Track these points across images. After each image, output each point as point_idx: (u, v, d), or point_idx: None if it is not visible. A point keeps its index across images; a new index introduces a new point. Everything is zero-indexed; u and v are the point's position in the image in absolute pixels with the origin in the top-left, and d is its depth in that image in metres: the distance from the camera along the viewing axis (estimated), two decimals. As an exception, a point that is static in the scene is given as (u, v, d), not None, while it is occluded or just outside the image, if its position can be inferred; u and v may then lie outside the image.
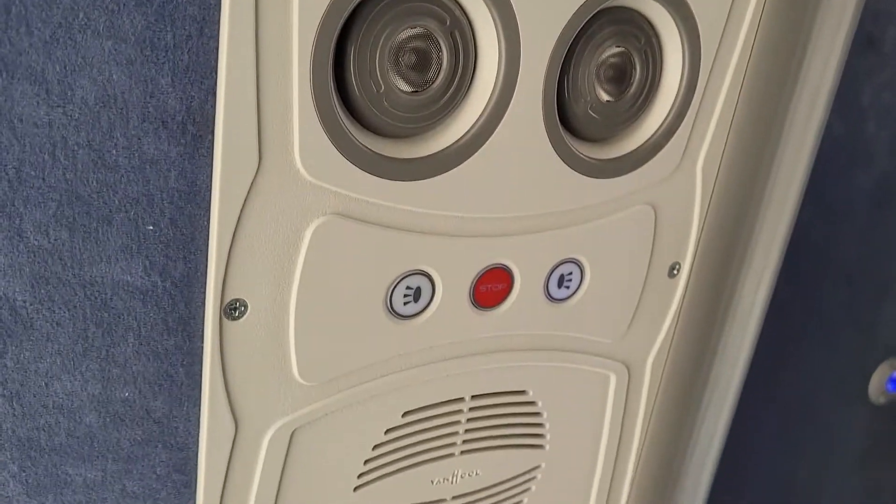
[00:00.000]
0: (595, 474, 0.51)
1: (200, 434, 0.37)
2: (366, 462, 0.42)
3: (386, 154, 0.35)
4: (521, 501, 0.49)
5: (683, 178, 0.44)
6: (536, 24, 0.35)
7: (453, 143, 0.36)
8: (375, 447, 0.42)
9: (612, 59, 0.39)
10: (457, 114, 0.36)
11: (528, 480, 0.49)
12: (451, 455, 0.45)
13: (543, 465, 0.49)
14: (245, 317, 0.35)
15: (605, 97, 0.39)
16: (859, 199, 0.56)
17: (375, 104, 0.34)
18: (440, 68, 0.34)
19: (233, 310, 0.35)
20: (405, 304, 0.39)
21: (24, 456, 0.34)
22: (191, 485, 0.38)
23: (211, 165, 0.32)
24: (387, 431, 0.42)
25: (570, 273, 0.43)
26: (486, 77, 0.36)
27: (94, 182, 0.30)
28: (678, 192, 0.44)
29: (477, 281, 0.40)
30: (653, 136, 0.41)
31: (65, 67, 0.28)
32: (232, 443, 0.37)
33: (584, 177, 0.40)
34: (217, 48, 0.30)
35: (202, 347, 0.35)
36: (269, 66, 0.31)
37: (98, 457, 0.35)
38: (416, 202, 0.37)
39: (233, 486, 0.38)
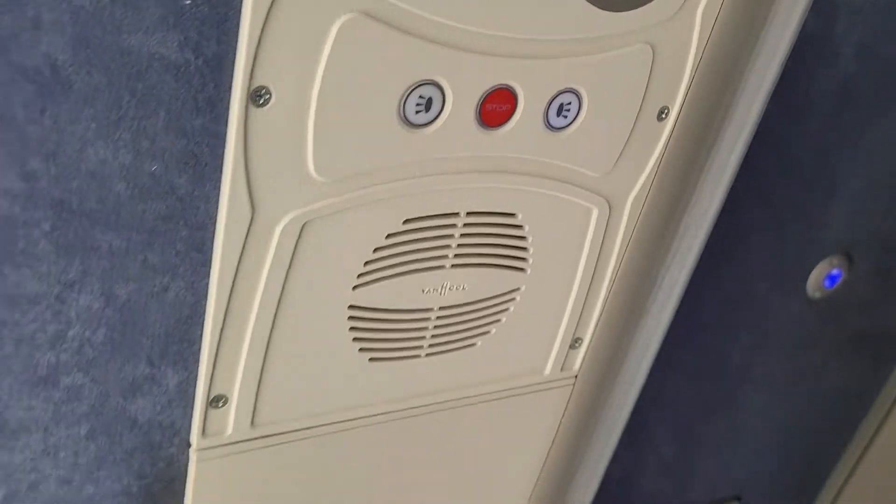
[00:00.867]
0: (569, 302, 0.55)
1: (219, 216, 0.39)
2: (366, 263, 0.45)
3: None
4: (499, 320, 0.53)
5: (683, 22, 0.46)
6: None
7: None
8: (376, 250, 0.45)
9: None
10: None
11: (508, 301, 0.53)
12: (443, 267, 0.48)
13: (523, 287, 0.52)
14: (269, 105, 0.37)
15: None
16: (823, 99, 0.59)
17: None
18: None
19: (258, 96, 0.37)
20: (417, 112, 0.41)
21: (57, 216, 0.36)
22: (207, 264, 0.41)
23: None
24: (388, 236, 0.45)
25: (570, 103, 0.45)
26: None
27: (139, -54, 0.31)
28: (677, 35, 0.47)
29: (484, 99, 0.42)
30: (662, -27, 0.43)
31: None
32: (247, 228, 0.40)
33: (594, 7, 0.42)
34: None
35: (227, 131, 0.37)
36: None
37: (124, 226, 0.37)
38: (436, 11, 0.38)
39: (245, 270, 0.41)
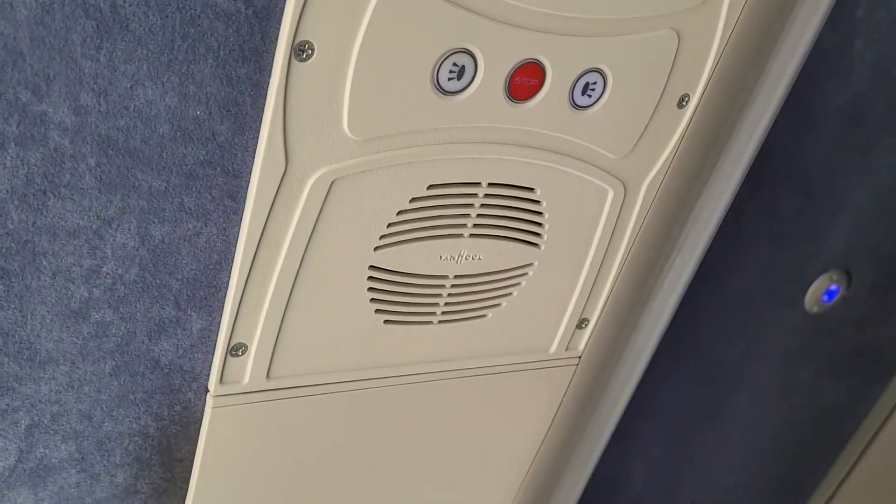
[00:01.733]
0: (579, 282, 0.57)
1: (254, 166, 0.41)
2: (389, 225, 0.47)
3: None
4: (511, 293, 0.55)
5: (710, 11, 0.48)
6: None
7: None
8: (400, 213, 0.46)
9: None
10: None
11: (521, 276, 0.54)
12: (461, 236, 0.50)
13: (536, 263, 0.54)
14: (311, 60, 0.39)
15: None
16: (833, 113, 0.60)
17: None
18: None
19: (301, 51, 0.38)
20: (449, 79, 0.42)
21: (102, 152, 0.37)
22: (239, 213, 0.42)
23: None
24: (411, 200, 0.46)
25: (595, 83, 0.47)
26: None
27: None
28: (702, 24, 0.48)
29: (514, 71, 0.44)
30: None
31: None
32: (280, 180, 0.41)
33: (625, -11, 0.44)
34: None
35: (269, 82, 0.39)
36: None
37: (165, 168, 0.39)
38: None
39: (274, 221, 0.43)
